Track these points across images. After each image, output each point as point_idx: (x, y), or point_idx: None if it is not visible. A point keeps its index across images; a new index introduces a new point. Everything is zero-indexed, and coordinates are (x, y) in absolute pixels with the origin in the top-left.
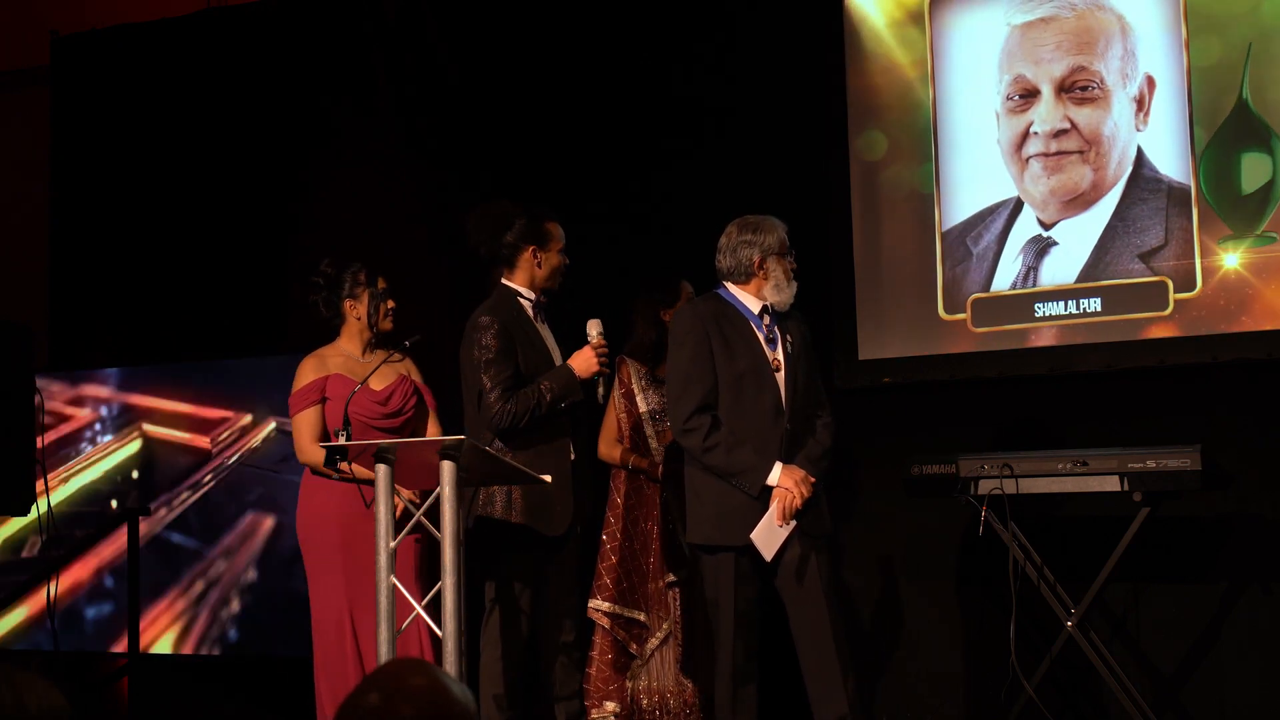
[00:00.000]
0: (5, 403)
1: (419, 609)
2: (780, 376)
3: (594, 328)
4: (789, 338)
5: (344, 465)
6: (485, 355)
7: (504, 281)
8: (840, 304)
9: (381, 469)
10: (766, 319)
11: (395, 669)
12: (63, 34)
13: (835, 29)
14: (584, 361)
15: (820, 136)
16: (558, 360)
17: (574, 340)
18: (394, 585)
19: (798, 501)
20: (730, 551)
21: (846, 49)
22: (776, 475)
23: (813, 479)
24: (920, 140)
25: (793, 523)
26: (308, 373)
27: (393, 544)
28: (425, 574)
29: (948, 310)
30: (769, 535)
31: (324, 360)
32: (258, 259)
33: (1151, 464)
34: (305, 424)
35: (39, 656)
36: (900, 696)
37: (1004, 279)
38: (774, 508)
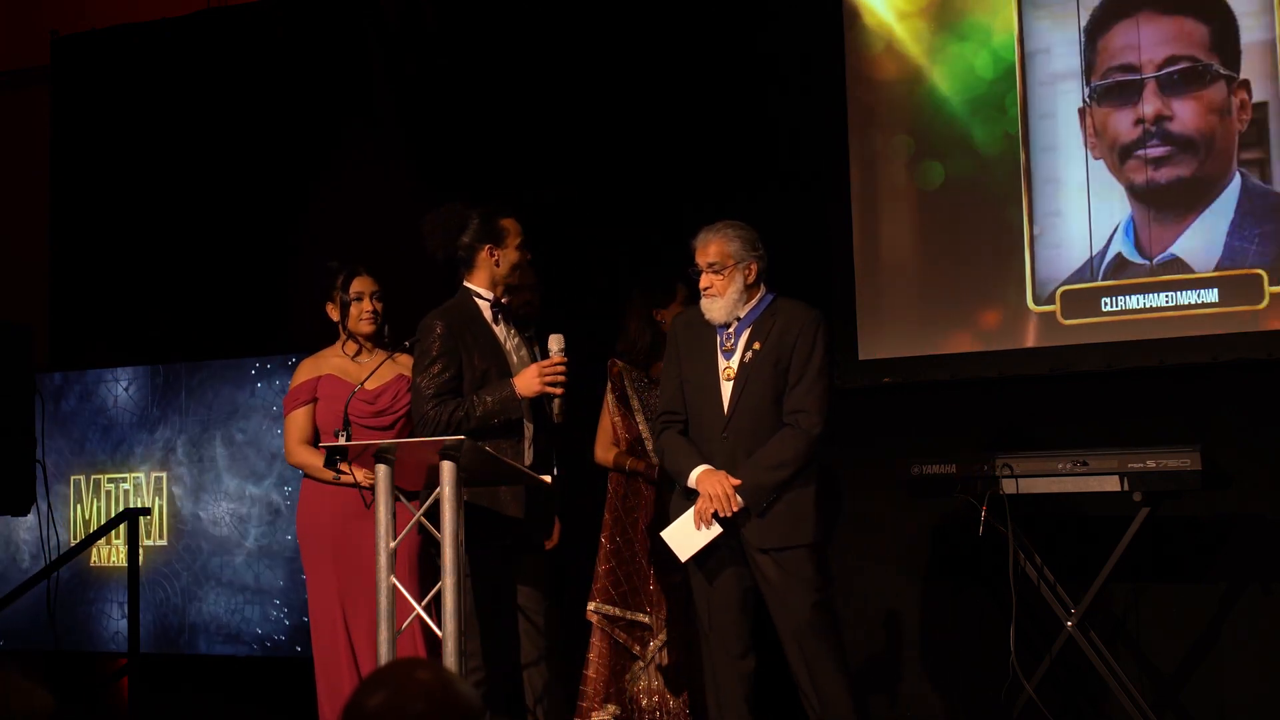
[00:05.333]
0: (5, 403)
1: (419, 609)
2: (728, 386)
3: (555, 343)
4: (757, 345)
5: (343, 466)
6: (424, 359)
7: (465, 284)
8: (840, 304)
9: (381, 469)
10: (731, 326)
11: (401, 666)
12: (63, 34)
13: (835, 28)
14: (526, 380)
15: (820, 136)
16: (515, 364)
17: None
18: (394, 585)
19: (710, 507)
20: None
21: (846, 48)
22: (695, 477)
23: (736, 482)
24: (928, 140)
25: (716, 528)
26: (301, 373)
27: (393, 544)
28: (425, 571)
29: (1037, 302)
30: (684, 536)
31: (320, 361)
32: (257, 259)
33: (1151, 464)
34: (293, 425)
35: (40, 656)
36: (900, 696)
37: (1095, 271)
38: (691, 510)
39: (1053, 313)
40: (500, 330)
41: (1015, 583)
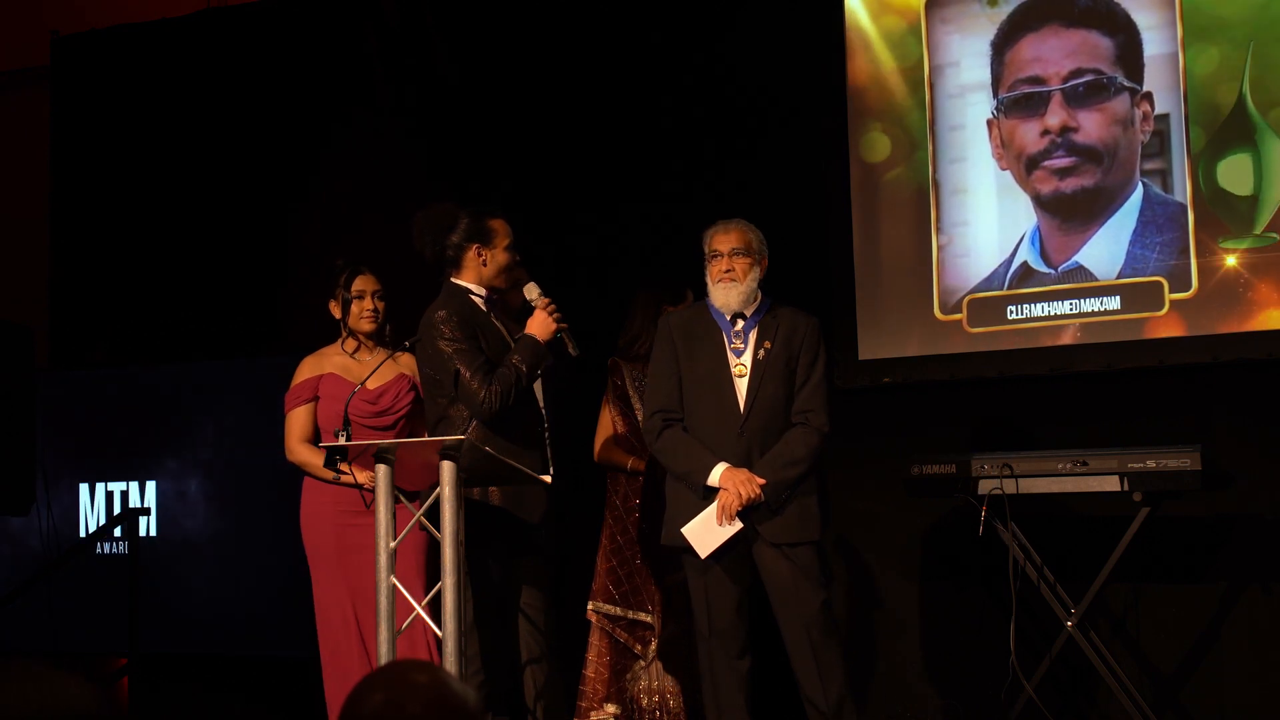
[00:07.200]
0: (5, 403)
1: (419, 609)
2: (742, 384)
3: (533, 290)
4: (768, 344)
5: (343, 466)
6: (455, 345)
7: (453, 280)
8: (840, 304)
9: (381, 469)
10: (739, 325)
11: (397, 668)
12: (63, 34)
13: (835, 29)
14: (540, 324)
15: (820, 137)
16: None
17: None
18: (394, 585)
19: (736, 503)
20: (692, 553)
21: (847, 49)
22: (718, 475)
23: (761, 480)
24: (920, 141)
25: (737, 524)
26: (303, 371)
27: (393, 544)
28: (431, 565)
29: (944, 311)
30: (705, 532)
31: (322, 359)
32: (257, 259)
33: (1151, 464)
34: (294, 423)
35: (39, 656)
36: (900, 696)
37: (1000, 280)
38: (713, 506)
39: (959, 321)
40: (497, 322)
41: (1015, 583)
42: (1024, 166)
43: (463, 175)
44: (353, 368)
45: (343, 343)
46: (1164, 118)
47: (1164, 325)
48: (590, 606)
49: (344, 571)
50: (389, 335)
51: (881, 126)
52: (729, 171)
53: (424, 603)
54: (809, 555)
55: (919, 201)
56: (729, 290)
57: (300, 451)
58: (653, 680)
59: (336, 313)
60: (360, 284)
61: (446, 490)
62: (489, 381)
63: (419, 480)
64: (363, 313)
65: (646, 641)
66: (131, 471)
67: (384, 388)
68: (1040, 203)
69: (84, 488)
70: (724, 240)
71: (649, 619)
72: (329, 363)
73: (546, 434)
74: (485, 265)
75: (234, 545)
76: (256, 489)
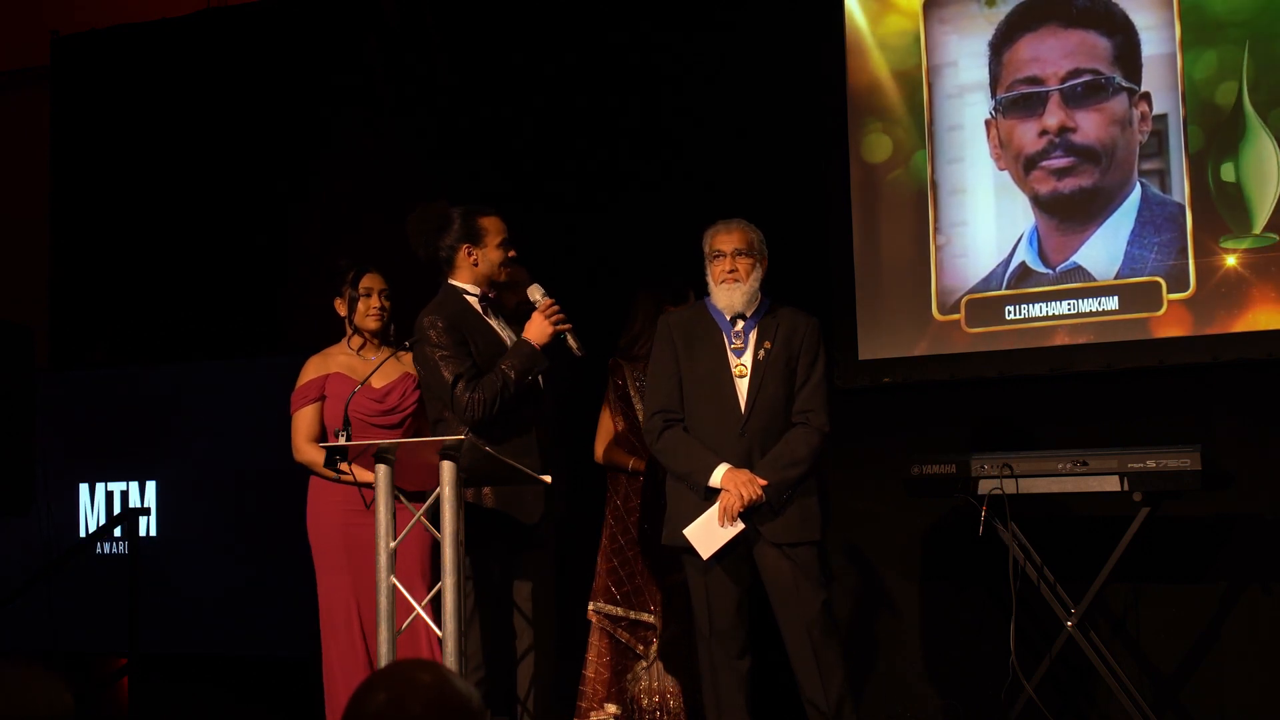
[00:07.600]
0: (5, 403)
1: (419, 609)
2: (743, 384)
3: (536, 291)
4: (768, 344)
5: (344, 465)
6: (440, 352)
7: (450, 281)
8: (840, 304)
9: (381, 469)
10: (739, 325)
11: (400, 668)
12: (63, 34)
13: (835, 30)
14: (538, 329)
15: (820, 137)
16: None
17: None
18: (394, 585)
19: (738, 504)
20: (693, 553)
21: (846, 50)
22: (719, 476)
23: (763, 481)
24: (918, 142)
25: (739, 525)
26: (309, 371)
27: (393, 544)
28: (435, 565)
29: (942, 311)
30: (708, 533)
31: (327, 358)
32: (257, 259)
33: (1151, 464)
34: (301, 423)
35: (39, 657)
36: (900, 696)
37: (998, 280)
38: (715, 507)
39: (957, 321)
40: (494, 323)
41: (1015, 583)
42: (1022, 167)
43: (463, 175)
44: (358, 367)
45: (348, 341)
46: (1162, 118)
47: (1163, 325)
48: (591, 607)
49: (350, 570)
50: (393, 335)
51: (882, 127)
52: (729, 171)
53: (424, 602)
54: (810, 555)
55: (918, 202)
56: (733, 291)
57: (307, 451)
58: (653, 681)
59: (342, 310)
60: (368, 282)
61: (446, 490)
62: (473, 388)
63: (420, 480)
64: (369, 311)
65: (648, 642)
66: (131, 471)
67: (390, 386)
68: (1038, 203)
69: (84, 488)
70: (726, 240)
71: (651, 619)
72: (334, 362)
73: (548, 434)
74: (477, 265)
75: (234, 545)
76: (256, 489)
